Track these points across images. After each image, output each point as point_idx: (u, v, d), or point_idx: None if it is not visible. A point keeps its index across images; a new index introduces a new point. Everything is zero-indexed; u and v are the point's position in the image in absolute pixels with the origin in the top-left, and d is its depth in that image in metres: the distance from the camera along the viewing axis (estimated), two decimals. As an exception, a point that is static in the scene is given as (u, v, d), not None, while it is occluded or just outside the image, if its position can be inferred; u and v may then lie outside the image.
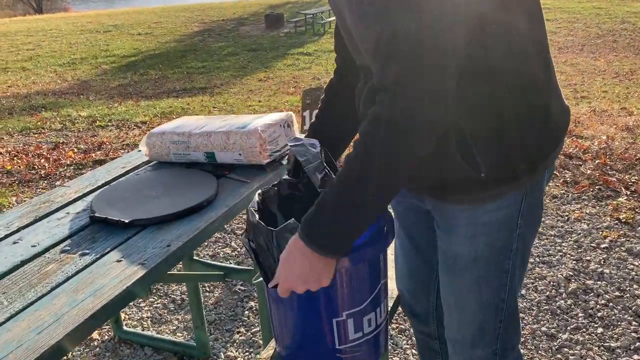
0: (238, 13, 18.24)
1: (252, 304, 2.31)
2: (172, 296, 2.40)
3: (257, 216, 0.97)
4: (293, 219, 0.93)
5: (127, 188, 1.48)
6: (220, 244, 2.83)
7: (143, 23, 17.36)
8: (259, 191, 1.20)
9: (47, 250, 1.22)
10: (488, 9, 0.87)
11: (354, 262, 0.94)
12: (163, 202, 1.39)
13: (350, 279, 0.96)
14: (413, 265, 1.29)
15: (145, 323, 2.24)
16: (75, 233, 1.29)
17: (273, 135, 1.59)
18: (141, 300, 2.33)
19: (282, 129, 1.65)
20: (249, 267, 1.83)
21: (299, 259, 0.88)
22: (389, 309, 1.24)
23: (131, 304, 2.25)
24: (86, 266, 1.14)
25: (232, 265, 1.91)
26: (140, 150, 1.82)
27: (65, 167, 4.25)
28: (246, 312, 2.27)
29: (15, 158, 4.62)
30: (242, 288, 2.41)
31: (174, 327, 2.22)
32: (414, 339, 1.84)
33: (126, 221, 1.28)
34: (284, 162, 1.63)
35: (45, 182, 3.99)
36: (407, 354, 1.99)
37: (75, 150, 4.83)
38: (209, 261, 2.33)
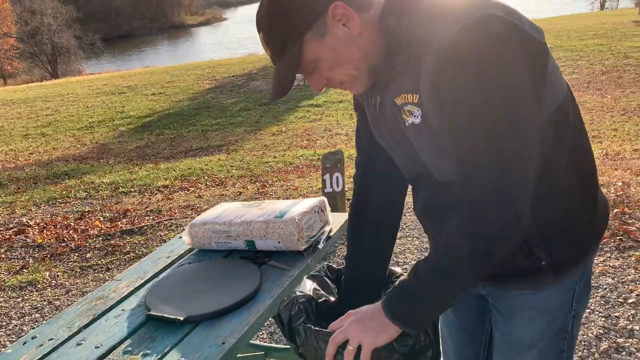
0: (247, 68, 18.79)
1: (289, 375, 2.35)
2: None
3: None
4: None
5: (176, 283, 1.57)
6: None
7: (156, 83, 17.92)
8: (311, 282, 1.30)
9: (110, 351, 1.31)
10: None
11: None
12: (212, 295, 1.48)
13: None
14: (461, 344, 1.35)
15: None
16: (135, 331, 1.38)
17: (309, 222, 1.70)
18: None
19: (317, 215, 1.75)
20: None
21: (375, 321, 0.98)
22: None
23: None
24: (150, 369, 1.22)
25: (273, 345, 1.98)
26: (181, 237, 1.93)
27: (94, 238, 4.38)
28: (283, 384, 2.32)
29: (44, 230, 4.76)
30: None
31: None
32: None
33: (181, 319, 1.37)
34: (319, 246, 1.72)
35: (76, 254, 4.11)
36: None
37: (102, 219, 4.97)
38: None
